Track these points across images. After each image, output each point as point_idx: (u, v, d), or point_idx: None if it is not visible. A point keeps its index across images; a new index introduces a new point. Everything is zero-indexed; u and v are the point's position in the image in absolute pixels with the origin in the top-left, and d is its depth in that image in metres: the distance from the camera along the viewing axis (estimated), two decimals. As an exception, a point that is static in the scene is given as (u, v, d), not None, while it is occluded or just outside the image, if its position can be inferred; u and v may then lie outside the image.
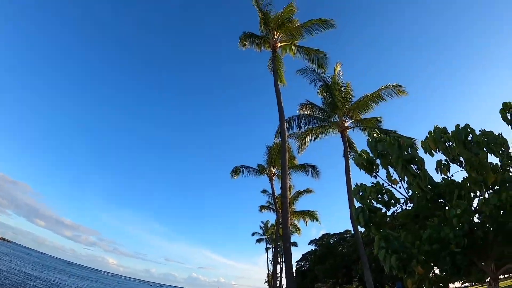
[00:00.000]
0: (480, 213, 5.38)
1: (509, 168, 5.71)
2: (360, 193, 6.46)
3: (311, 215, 37.47)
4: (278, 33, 22.71)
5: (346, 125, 22.95)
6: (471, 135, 5.77)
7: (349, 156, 21.85)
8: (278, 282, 41.95)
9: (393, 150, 5.89)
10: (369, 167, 6.78)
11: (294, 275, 50.83)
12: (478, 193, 5.67)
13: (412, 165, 5.76)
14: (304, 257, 56.80)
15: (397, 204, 6.39)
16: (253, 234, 53.06)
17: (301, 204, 39.11)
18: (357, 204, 6.44)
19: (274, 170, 31.88)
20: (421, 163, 5.76)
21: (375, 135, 6.74)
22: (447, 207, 5.64)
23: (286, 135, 20.38)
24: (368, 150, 7.01)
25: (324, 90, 23.16)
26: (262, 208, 40.11)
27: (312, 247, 49.71)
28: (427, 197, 5.76)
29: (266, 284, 56.38)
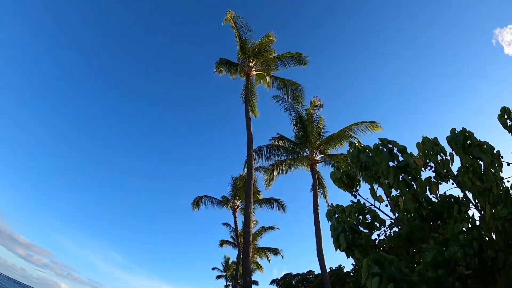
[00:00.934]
0: (488, 229, 4.32)
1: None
2: (336, 215, 5.35)
3: (275, 251, 35.98)
4: (253, 61, 22.25)
5: (317, 159, 22.37)
6: (469, 141, 4.86)
7: (318, 192, 21.21)
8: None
9: (381, 157, 4.86)
10: (349, 183, 5.72)
11: None
12: (479, 207, 4.68)
13: (405, 174, 4.72)
14: None
15: (381, 226, 5.30)
16: (213, 269, 50.93)
17: (264, 242, 37.65)
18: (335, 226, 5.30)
19: (238, 203, 30.54)
20: (416, 171, 4.71)
21: (357, 144, 5.72)
22: (445, 226, 4.61)
23: (254, 167, 19.27)
24: (347, 165, 6.02)
25: (298, 123, 22.70)
26: (222, 242, 37.90)
27: (274, 287, 47.80)
28: (423, 214, 4.71)
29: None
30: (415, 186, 4.73)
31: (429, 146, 5.36)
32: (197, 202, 29.50)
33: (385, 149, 4.96)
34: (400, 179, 4.75)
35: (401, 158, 4.92)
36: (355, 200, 5.64)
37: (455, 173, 5.20)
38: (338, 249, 4.82)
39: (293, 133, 23.07)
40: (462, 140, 4.74)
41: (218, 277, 50.60)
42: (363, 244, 4.65)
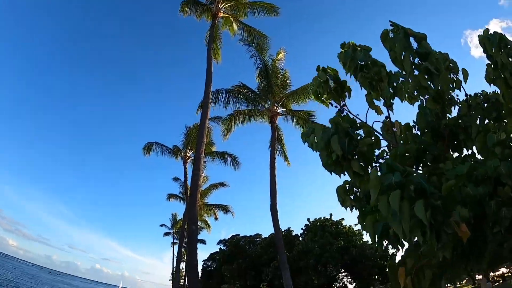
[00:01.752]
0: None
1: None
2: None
3: (224, 208, 34.99)
4: (223, 3, 20.21)
5: (278, 111, 21.15)
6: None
7: (276, 149, 20.13)
8: (182, 281, 38.91)
9: (394, 40, 3.45)
10: (336, 91, 4.30)
11: (200, 274, 47.81)
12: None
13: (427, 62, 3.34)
14: (212, 257, 53.98)
15: (378, 148, 3.93)
16: (161, 225, 49.74)
17: (214, 201, 36.38)
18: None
19: (189, 154, 28.79)
20: (438, 63, 3.32)
21: (351, 43, 4.27)
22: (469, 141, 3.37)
23: (209, 106, 17.51)
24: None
25: (262, 72, 21.19)
26: (170, 196, 36.19)
27: (221, 247, 47.30)
28: (438, 128, 3.45)
29: (171, 282, 53.18)
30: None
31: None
32: (148, 148, 27.70)
33: (401, 33, 3.51)
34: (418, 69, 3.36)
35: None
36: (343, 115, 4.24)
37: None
38: (326, 163, 3.44)
39: (256, 84, 21.72)
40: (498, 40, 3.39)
41: (166, 234, 49.56)
42: (364, 152, 3.29)
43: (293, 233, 35.58)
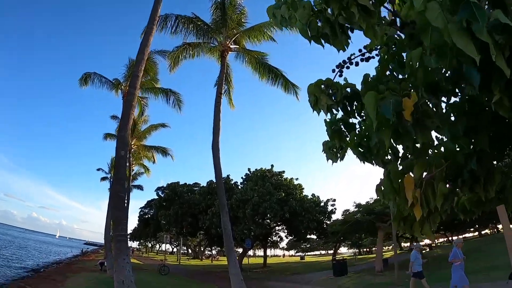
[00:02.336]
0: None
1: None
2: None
3: (163, 151, 33.42)
4: None
5: (230, 46, 19.64)
6: None
7: (222, 89, 18.80)
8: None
9: None
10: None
11: (138, 220, 46.28)
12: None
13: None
14: (149, 203, 52.84)
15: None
16: (98, 170, 47.11)
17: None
18: None
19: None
20: None
21: None
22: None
23: (154, 32, 15.63)
24: None
25: (219, 3, 19.29)
26: (107, 136, 33.72)
27: (159, 193, 45.54)
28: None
29: (108, 230, 51.25)
30: None
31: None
32: (85, 79, 24.95)
33: None
34: None
35: None
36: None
37: None
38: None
39: (210, 16, 19.89)
40: None
41: (103, 178, 47.04)
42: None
43: (232, 182, 34.52)
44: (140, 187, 50.25)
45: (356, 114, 4.37)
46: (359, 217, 26.91)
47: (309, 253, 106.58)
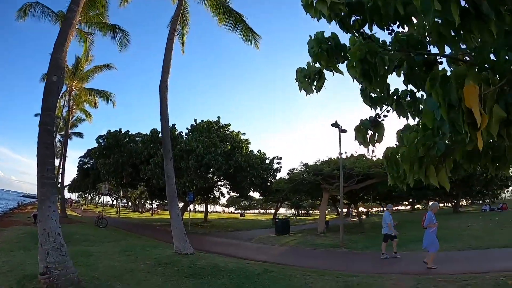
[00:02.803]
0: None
1: None
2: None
3: (105, 95, 31.16)
4: None
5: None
6: None
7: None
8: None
9: None
10: None
11: (78, 171, 43.63)
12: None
13: None
14: (89, 152, 49.63)
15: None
16: (36, 115, 43.23)
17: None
18: None
19: (77, 19, 23.72)
20: None
21: None
22: None
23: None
24: None
25: None
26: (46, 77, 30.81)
27: (100, 142, 42.39)
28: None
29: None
30: None
31: None
32: (25, 10, 21.84)
33: None
34: None
35: None
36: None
37: None
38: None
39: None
40: None
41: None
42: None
43: (177, 132, 32.82)
44: (80, 135, 47.37)
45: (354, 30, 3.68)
46: (307, 176, 26.86)
47: (248, 211, 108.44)
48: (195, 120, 33.16)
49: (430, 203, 18.60)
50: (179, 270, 9.88)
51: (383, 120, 4.29)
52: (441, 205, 68.72)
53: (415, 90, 3.84)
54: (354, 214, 52.04)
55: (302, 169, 29.69)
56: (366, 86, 3.68)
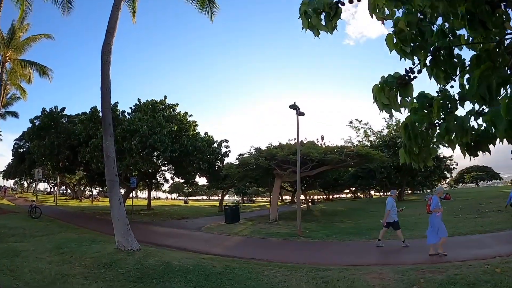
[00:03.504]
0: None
1: None
2: None
3: (41, 69, 27.65)
4: None
5: None
6: None
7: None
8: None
9: None
10: None
11: (13, 155, 39.08)
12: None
13: None
14: (25, 135, 44.33)
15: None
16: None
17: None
18: None
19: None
20: None
21: None
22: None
23: None
24: None
25: None
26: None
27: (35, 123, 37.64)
28: None
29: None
30: None
31: None
32: None
33: None
34: None
35: None
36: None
37: None
38: None
39: None
40: None
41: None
42: None
43: (119, 111, 29.69)
44: (15, 114, 42.65)
45: None
46: (260, 161, 25.51)
47: (191, 198, 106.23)
48: (139, 99, 30.69)
49: (437, 187, 17.78)
50: (123, 272, 8.10)
51: (414, 78, 3.00)
52: (382, 193, 71.61)
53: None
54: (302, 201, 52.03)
55: (254, 154, 28.32)
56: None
